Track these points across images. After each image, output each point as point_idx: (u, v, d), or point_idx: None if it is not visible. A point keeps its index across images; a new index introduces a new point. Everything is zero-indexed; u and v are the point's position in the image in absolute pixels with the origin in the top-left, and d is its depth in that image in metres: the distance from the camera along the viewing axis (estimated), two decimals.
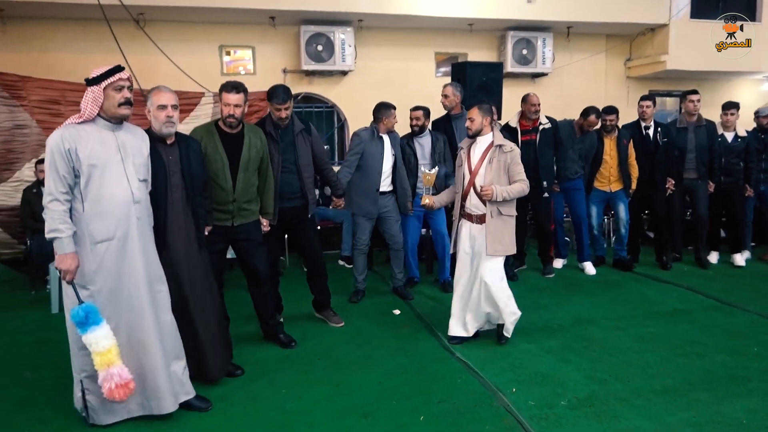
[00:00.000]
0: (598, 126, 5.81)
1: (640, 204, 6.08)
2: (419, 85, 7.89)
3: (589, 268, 5.90)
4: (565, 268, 6.07)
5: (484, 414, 3.04)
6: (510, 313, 3.93)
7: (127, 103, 2.80)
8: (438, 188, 4.69)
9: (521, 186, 3.78)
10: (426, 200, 4.02)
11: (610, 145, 5.80)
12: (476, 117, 3.84)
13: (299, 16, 7.25)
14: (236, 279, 4.83)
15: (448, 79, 6.55)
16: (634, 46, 8.95)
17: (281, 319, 4.24)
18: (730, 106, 6.07)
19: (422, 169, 4.20)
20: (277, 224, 3.97)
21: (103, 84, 2.74)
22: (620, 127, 5.88)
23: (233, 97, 3.50)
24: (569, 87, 8.53)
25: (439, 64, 8.40)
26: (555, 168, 5.67)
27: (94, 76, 2.75)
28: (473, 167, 3.84)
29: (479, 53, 8.21)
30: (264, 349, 3.95)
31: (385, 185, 4.83)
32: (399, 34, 8.04)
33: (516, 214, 3.90)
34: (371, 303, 4.98)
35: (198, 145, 3.35)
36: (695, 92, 5.96)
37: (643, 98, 5.99)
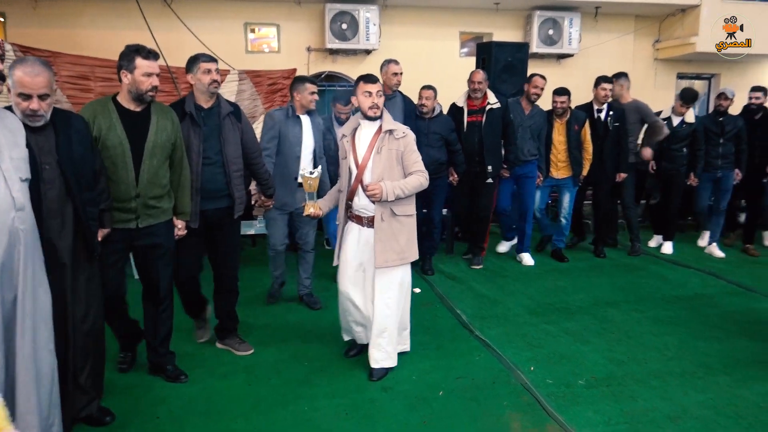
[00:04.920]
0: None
1: (586, 188, 5.91)
2: (443, 64, 7.86)
3: (527, 259, 5.61)
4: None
5: (502, 390, 3.10)
6: (393, 344, 3.25)
7: None
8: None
9: (419, 179, 3.11)
10: (310, 209, 3.26)
11: (559, 130, 5.49)
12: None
13: None
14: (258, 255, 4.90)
15: (473, 60, 6.52)
16: (663, 27, 8.76)
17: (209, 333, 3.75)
18: (688, 99, 5.69)
19: (301, 172, 3.25)
20: (198, 228, 3.27)
21: None
22: (573, 109, 5.52)
23: (154, 65, 2.84)
24: (595, 68, 8.33)
25: (463, 44, 8.34)
26: (503, 152, 5.30)
27: None
28: (360, 159, 3.14)
29: (505, 33, 8.12)
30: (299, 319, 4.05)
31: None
32: (424, 13, 7.98)
33: (415, 212, 3.26)
34: None
35: (83, 124, 2.64)
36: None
37: (603, 79, 5.58)
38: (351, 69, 7.91)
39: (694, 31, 8.14)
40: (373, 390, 3.11)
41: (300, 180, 3.83)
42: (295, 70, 7.13)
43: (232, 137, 3.32)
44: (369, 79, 3.13)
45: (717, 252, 5.95)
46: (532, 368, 3.35)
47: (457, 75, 7.22)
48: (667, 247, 6.05)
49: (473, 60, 6.55)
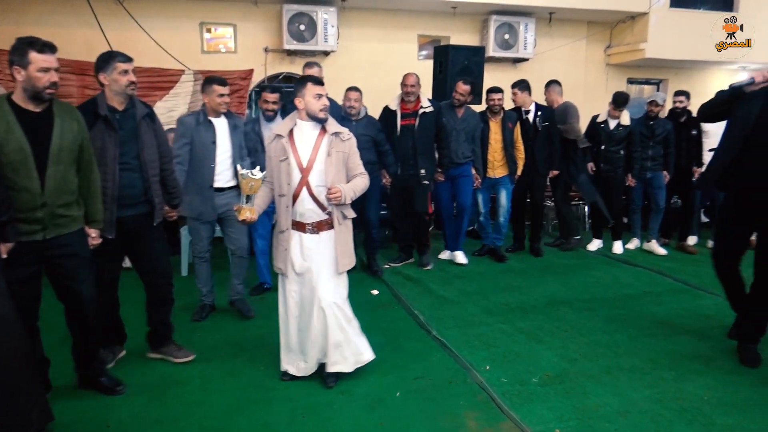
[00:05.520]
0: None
1: (522, 189, 5.97)
2: (402, 67, 7.81)
3: (461, 257, 5.65)
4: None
5: (458, 390, 3.14)
6: (355, 346, 3.18)
7: None
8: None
9: (364, 180, 3.11)
10: (246, 213, 2.99)
11: (494, 128, 5.60)
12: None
13: None
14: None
15: (431, 63, 6.59)
16: (614, 34, 9.04)
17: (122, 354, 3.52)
18: (620, 103, 5.86)
19: (241, 171, 2.97)
20: (115, 238, 3.10)
21: None
22: (505, 109, 5.66)
23: (51, 59, 2.61)
24: (550, 73, 8.57)
25: (421, 47, 8.41)
26: (437, 156, 5.30)
27: None
28: (305, 162, 3.00)
29: (462, 37, 8.23)
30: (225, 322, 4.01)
31: (223, 180, 3.95)
32: (382, 16, 8.02)
33: (355, 215, 3.20)
34: (351, 282, 5.04)
35: None
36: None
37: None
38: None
39: (643, 38, 8.43)
40: (329, 392, 3.10)
41: (229, 183, 3.90)
42: (252, 70, 7.07)
43: (149, 140, 3.15)
44: (318, 81, 3.07)
45: (658, 249, 6.16)
46: (487, 367, 3.40)
47: None
48: (617, 247, 6.22)
49: (431, 63, 6.62)
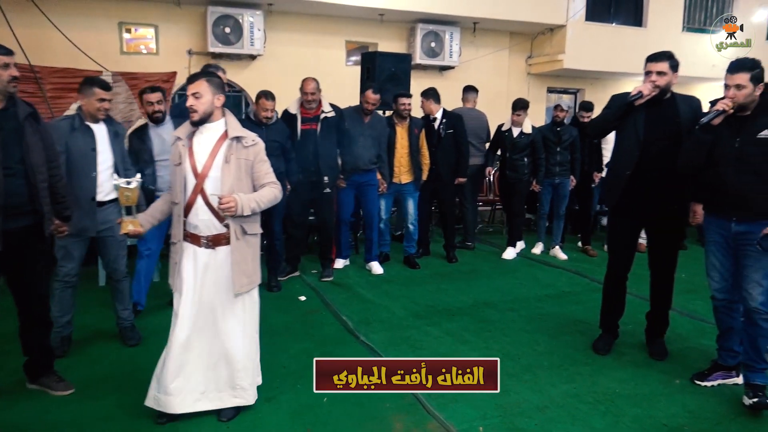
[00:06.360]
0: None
1: (429, 196, 6.02)
2: (330, 72, 7.89)
3: (376, 267, 5.54)
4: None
5: (386, 394, 3.15)
6: (250, 378, 2.89)
7: None
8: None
9: (273, 191, 2.78)
10: (129, 226, 2.71)
11: (401, 134, 5.55)
12: (205, 94, 2.70)
13: None
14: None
15: (359, 69, 6.63)
16: (535, 45, 9.43)
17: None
18: (518, 107, 6.05)
19: (115, 182, 2.70)
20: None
21: None
22: (413, 116, 5.67)
23: None
24: (474, 81, 8.78)
25: (350, 53, 8.45)
26: (340, 162, 5.20)
27: None
28: (200, 168, 2.71)
29: (390, 44, 8.34)
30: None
31: (104, 192, 3.49)
32: (310, 21, 8.00)
33: (260, 231, 2.88)
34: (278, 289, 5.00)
35: None
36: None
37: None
38: (236, 74, 7.74)
39: (561, 49, 8.83)
40: (256, 402, 3.05)
41: (109, 195, 3.42)
42: (175, 73, 6.87)
43: (34, 142, 2.82)
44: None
45: (560, 254, 6.35)
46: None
47: (344, 83, 7.33)
48: (510, 253, 6.31)
49: (359, 69, 6.66)
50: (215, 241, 2.72)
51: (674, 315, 4.50)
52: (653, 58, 3.40)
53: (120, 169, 3.51)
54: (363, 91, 5.35)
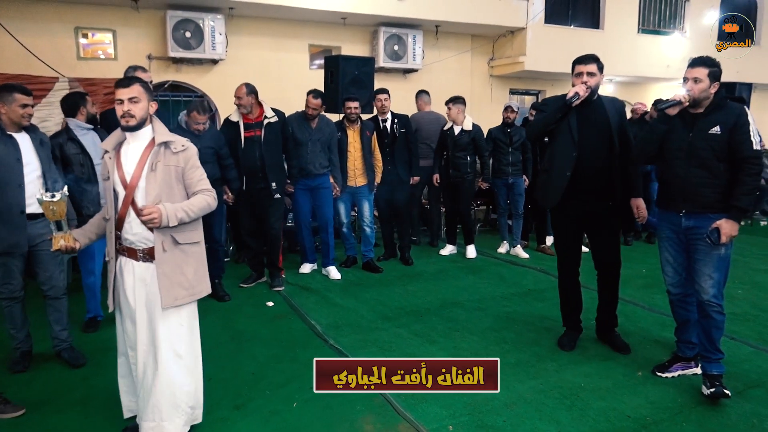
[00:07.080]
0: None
1: (386, 196, 6.01)
2: (293, 76, 7.89)
3: (334, 273, 5.51)
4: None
5: (355, 396, 3.14)
6: (183, 411, 2.64)
7: None
8: None
9: (205, 199, 2.60)
10: (60, 242, 2.54)
11: (353, 137, 5.56)
12: (142, 99, 2.55)
13: (164, 0, 6.95)
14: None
15: (322, 72, 6.62)
16: (497, 47, 9.56)
17: None
18: (447, 102, 6.08)
19: (38, 196, 2.50)
20: None
21: None
22: (362, 119, 5.71)
23: None
24: (438, 83, 8.95)
25: (313, 57, 8.43)
26: (286, 167, 5.23)
27: None
28: (129, 178, 2.54)
29: (353, 47, 8.35)
30: None
31: (34, 205, 3.15)
32: (272, 25, 7.96)
33: (203, 240, 2.72)
34: (245, 295, 4.95)
35: None
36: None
37: (377, 91, 5.97)
38: (197, 79, 7.65)
39: (522, 51, 8.98)
40: (223, 408, 3.02)
41: (37, 209, 3.01)
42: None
43: None
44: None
45: (522, 253, 6.43)
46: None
47: (307, 87, 7.25)
48: (471, 251, 6.38)
49: (323, 72, 6.65)
50: (152, 254, 2.56)
51: (636, 309, 4.66)
52: (582, 60, 3.54)
53: (49, 179, 3.31)
54: (314, 96, 5.30)
